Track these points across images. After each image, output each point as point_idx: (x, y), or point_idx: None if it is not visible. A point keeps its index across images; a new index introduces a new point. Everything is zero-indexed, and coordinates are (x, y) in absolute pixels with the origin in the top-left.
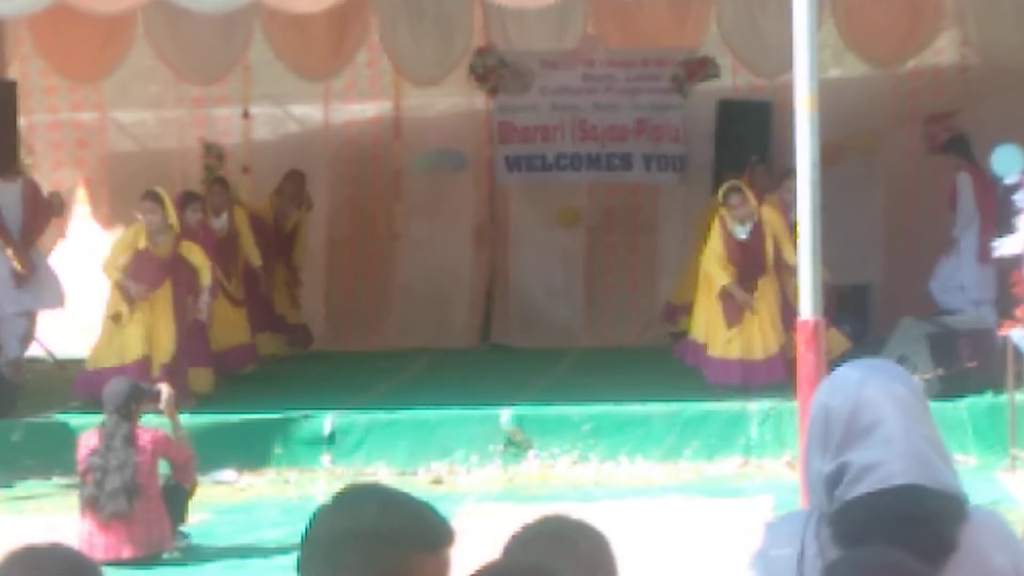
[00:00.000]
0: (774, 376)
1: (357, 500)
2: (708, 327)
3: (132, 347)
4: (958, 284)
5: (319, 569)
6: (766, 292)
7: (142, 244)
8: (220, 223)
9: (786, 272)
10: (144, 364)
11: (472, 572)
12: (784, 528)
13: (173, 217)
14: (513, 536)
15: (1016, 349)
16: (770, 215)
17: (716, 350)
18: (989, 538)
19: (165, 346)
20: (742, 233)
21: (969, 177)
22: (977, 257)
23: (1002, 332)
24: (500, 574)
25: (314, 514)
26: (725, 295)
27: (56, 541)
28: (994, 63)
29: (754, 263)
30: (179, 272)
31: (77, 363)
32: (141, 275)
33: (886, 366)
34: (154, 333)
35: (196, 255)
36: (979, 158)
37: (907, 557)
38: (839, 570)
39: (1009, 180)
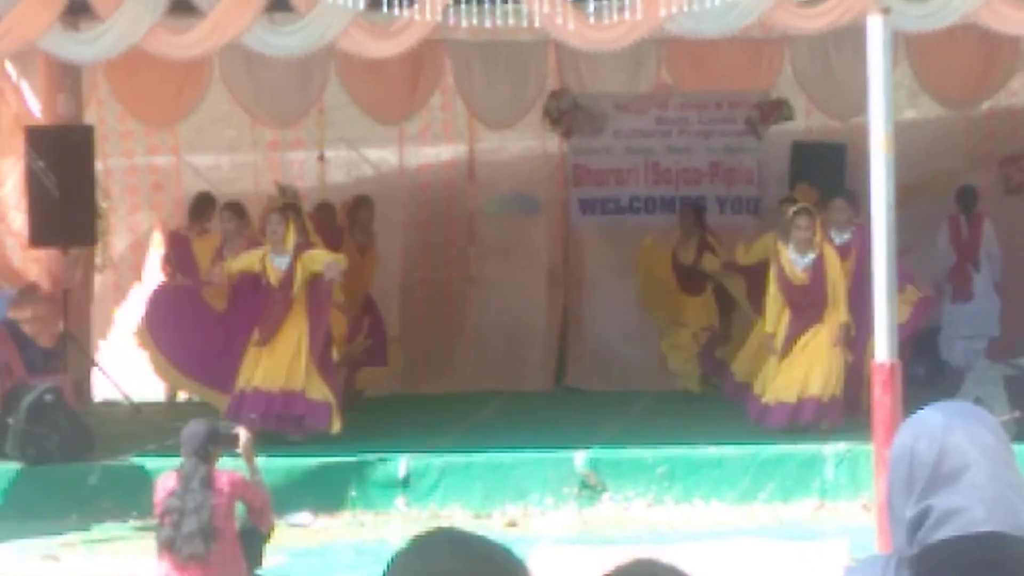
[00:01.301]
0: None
1: (432, 544)
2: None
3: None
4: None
5: None
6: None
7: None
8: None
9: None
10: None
11: None
12: (864, 572)
13: (252, 228)
14: None
15: None
16: (832, 256)
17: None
18: None
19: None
20: (800, 264)
21: (947, 224)
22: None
23: None
24: None
25: (390, 560)
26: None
27: None
28: None
29: (814, 303)
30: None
31: (151, 405)
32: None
33: (971, 410)
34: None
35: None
36: None
37: None
38: None
39: None
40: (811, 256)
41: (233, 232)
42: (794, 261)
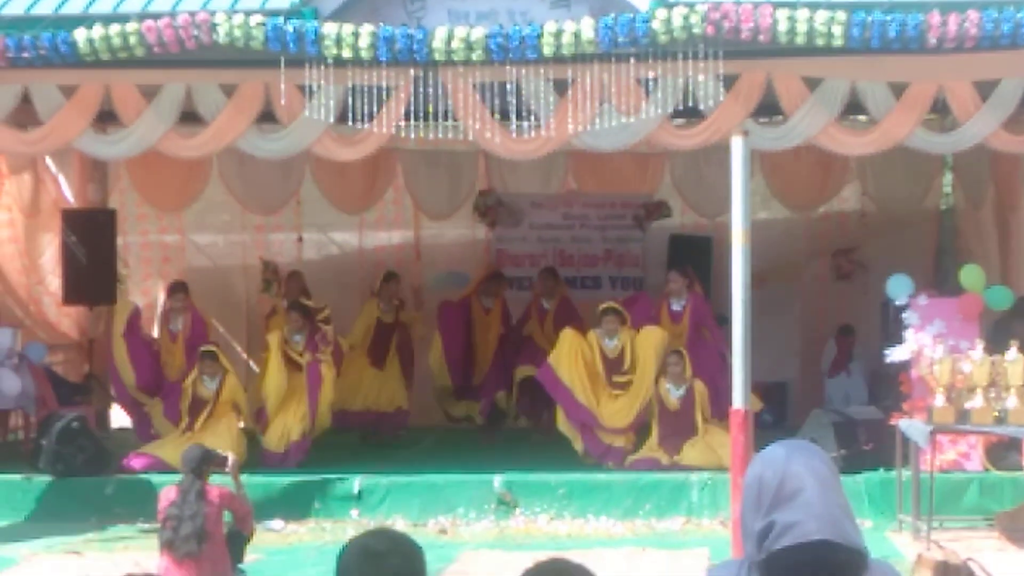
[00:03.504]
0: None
1: (370, 536)
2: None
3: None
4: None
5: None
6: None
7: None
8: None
9: None
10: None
11: None
12: (722, 572)
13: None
14: (525, 571)
15: (902, 435)
16: (701, 388)
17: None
18: None
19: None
20: (675, 395)
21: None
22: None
23: (892, 422)
24: None
25: (342, 547)
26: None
27: (146, 573)
28: (887, 209)
29: (686, 423)
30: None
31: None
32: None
33: (807, 445)
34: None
35: None
36: (875, 285)
37: None
38: None
39: (899, 302)
40: (684, 387)
41: (180, 307)
42: (670, 391)
